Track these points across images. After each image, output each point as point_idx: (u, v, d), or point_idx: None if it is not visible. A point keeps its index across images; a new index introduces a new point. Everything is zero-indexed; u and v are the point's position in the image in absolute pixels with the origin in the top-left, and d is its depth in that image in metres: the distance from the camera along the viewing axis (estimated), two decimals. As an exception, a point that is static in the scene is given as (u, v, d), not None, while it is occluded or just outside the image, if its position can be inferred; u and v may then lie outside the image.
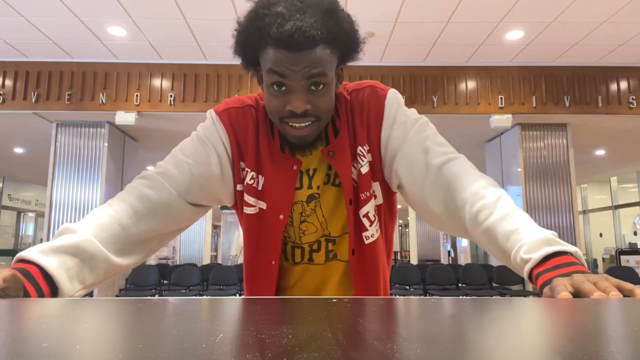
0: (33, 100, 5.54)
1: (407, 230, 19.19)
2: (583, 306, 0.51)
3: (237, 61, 0.93)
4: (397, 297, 0.68)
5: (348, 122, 0.97)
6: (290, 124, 0.87)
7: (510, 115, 5.71)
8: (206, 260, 11.66)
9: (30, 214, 12.50)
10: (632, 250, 9.27)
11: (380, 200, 1.00)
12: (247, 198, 0.97)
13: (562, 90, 5.77)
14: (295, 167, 0.95)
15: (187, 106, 5.64)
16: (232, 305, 0.54)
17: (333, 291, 1.01)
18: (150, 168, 0.96)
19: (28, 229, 12.62)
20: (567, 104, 5.74)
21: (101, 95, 5.62)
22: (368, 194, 0.95)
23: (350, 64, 0.93)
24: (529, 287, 5.81)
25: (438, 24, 4.76)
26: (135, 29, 4.82)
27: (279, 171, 0.96)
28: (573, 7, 4.39)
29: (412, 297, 0.71)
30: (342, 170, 0.94)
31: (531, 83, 5.78)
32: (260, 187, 0.96)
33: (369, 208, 0.96)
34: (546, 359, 0.29)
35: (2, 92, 5.55)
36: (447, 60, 5.70)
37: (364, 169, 0.96)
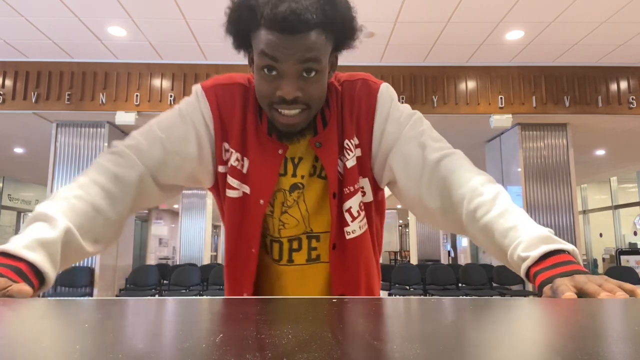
0: (33, 100, 5.54)
1: (407, 230, 19.19)
2: (589, 306, 0.51)
3: (238, 61, 0.91)
4: (387, 297, 0.68)
5: (337, 114, 0.94)
6: (279, 110, 0.84)
7: (510, 115, 5.70)
8: (206, 260, 11.64)
9: (30, 214, 12.49)
10: (632, 250, 9.27)
11: (370, 197, 0.97)
12: (231, 181, 0.93)
13: (562, 90, 5.77)
14: (280, 152, 0.91)
15: (187, 106, 5.63)
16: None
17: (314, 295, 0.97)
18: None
19: (28, 229, 12.59)
20: (567, 104, 5.74)
21: (101, 95, 5.62)
22: (352, 188, 0.93)
23: (346, 63, 0.91)
24: (529, 287, 5.80)
25: (438, 24, 4.76)
26: (135, 29, 4.82)
27: (264, 154, 0.92)
28: (573, 7, 4.39)
29: (411, 297, 0.71)
30: (328, 163, 0.91)
31: (531, 83, 5.78)
32: (245, 171, 0.93)
33: (352, 203, 0.93)
34: None
35: (2, 92, 5.55)
36: (447, 60, 5.70)
37: (350, 163, 0.93)
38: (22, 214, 12.09)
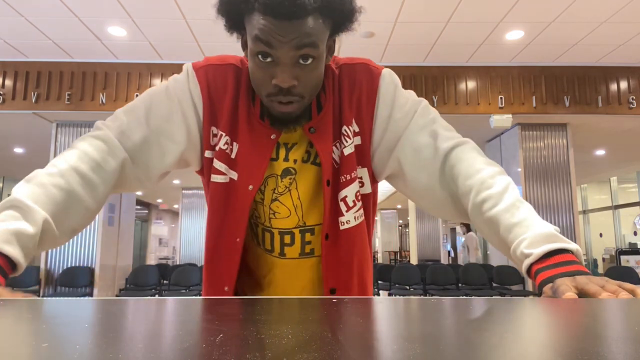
0: (33, 100, 5.54)
1: (407, 230, 19.20)
2: (589, 306, 0.51)
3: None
4: (387, 297, 0.68)
5: (334, 98, 0.90)
6: (276, 101, 0.81)
7: (510, 115, 5.71)
8: (206, 260, 11.63)
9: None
10: (632, 250, 9.26)
11: (368, 189, 0.94)
12: (218, 165, 0.89)
13: (562, 90, 5.77)
14: (273, 137, 0.87)
15: (187, 106, 5.64)
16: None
17: (305, 293, 0.94)
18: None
19: (28, 229, 12.60)
20: (567, 104, 5.74)
21: (101, 95, 5.62)
22: (349, 177, 0.89)
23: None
24: (529, 287, 5.80)
25: (438, 24, 4.76)
26: (135, 29, 4.82)
27: (255, 139, 0.87)
28: (573, 7, 4.39)
29: (411, 297, 0.71)
30: (323, 149, 0.87)
31: (531, 83, 5.78)
32: (233, 155, 0.88)
33: (348, 192, 0.89)
34: None
35: (2, 92, 5.55)
36: (447, 60, 5.70)
37: (347, 150, 0.89)
38: (22, 214, 12.07)
